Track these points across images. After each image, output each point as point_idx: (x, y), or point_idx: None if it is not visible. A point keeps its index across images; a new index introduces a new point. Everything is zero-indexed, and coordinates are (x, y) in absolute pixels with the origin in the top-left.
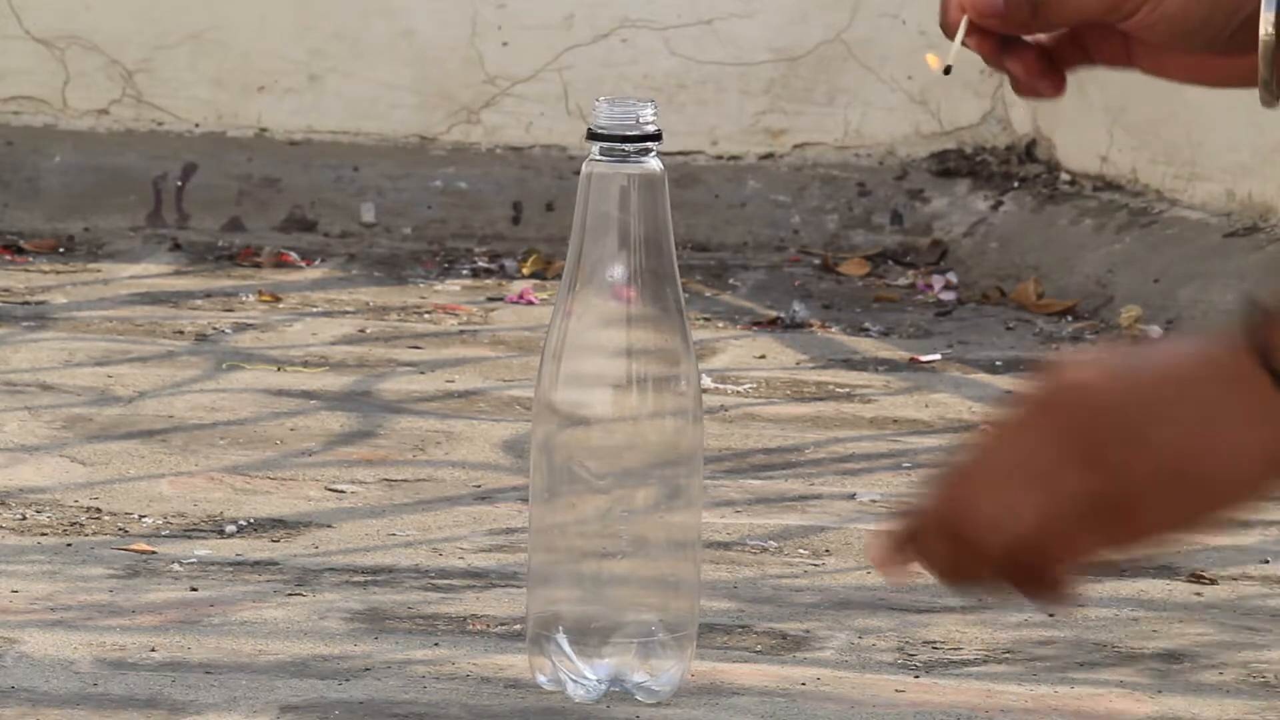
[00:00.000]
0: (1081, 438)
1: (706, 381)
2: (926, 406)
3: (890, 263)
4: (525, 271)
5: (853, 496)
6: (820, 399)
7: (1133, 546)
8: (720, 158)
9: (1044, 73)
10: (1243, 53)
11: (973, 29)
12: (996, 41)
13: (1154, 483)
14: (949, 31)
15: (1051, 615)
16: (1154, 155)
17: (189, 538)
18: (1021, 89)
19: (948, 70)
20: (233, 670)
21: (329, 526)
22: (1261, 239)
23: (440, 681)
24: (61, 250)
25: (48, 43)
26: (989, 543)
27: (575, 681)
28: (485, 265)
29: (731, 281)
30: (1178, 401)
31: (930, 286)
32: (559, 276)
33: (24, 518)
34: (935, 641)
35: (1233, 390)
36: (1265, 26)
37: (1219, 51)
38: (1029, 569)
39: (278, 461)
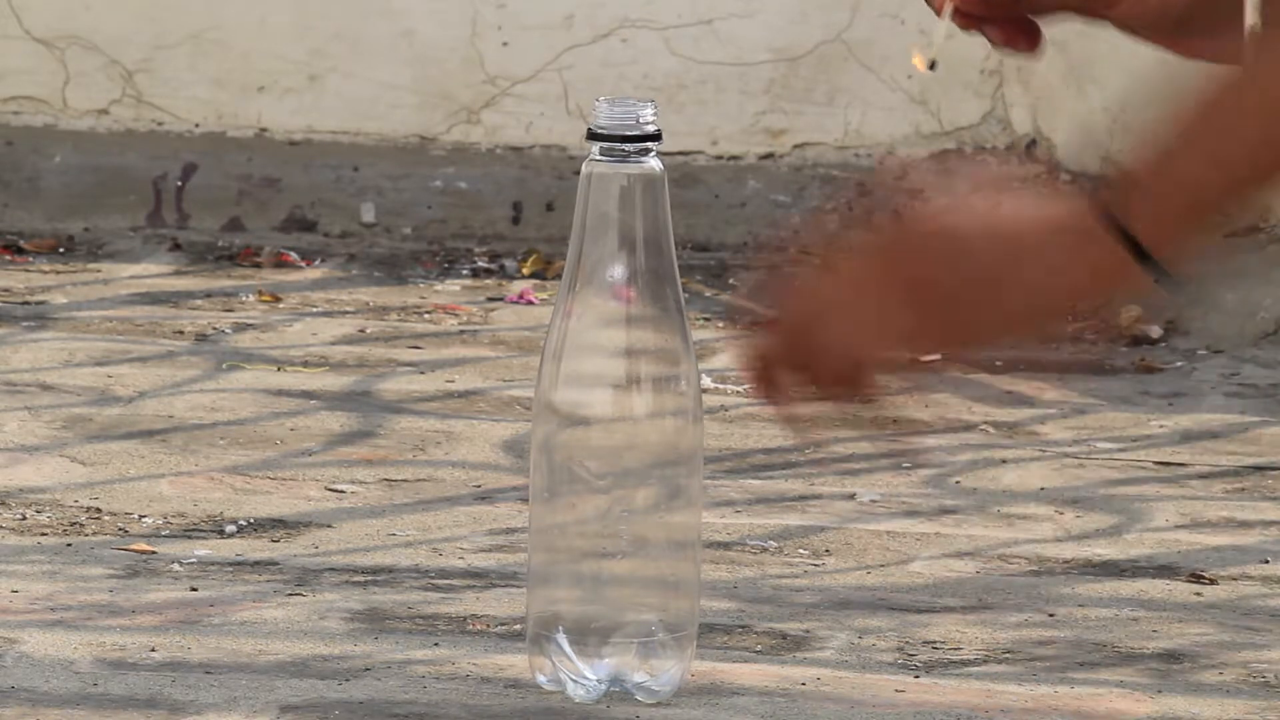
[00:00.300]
0: (919, 282)
1: (706, 381)
2: (926, 406)
3: None
4: (525, 271)
5: (853, 496)
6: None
7: (945, 355)
8: (720, 158)
9: (1021, 32)
10: (1221, 38)
11: (955, 10)
12: (976, 15)
13: (978, 311)
14: (937, 11)
15: (1052, 616)
16: None
17: (189, 538)
18: (999, 49)
19: (933, 66)
20: (233, 670)
21: (329, 526)
22: (1261, 239)
23: (440, 681)
24: (61, 250)
25: (48, 43)
26: (821, 368)
27: (575, 681)
28: (485, 265)
29: (731, 281)
30: (1013, 243)
31: None
32: (559, 276)
33: (24, 518)
34: (935, 641)
35: (1064, 232)
36: (1251, 14)
37: (1197, 38)
38: (846, 380)
39: (278, 461)
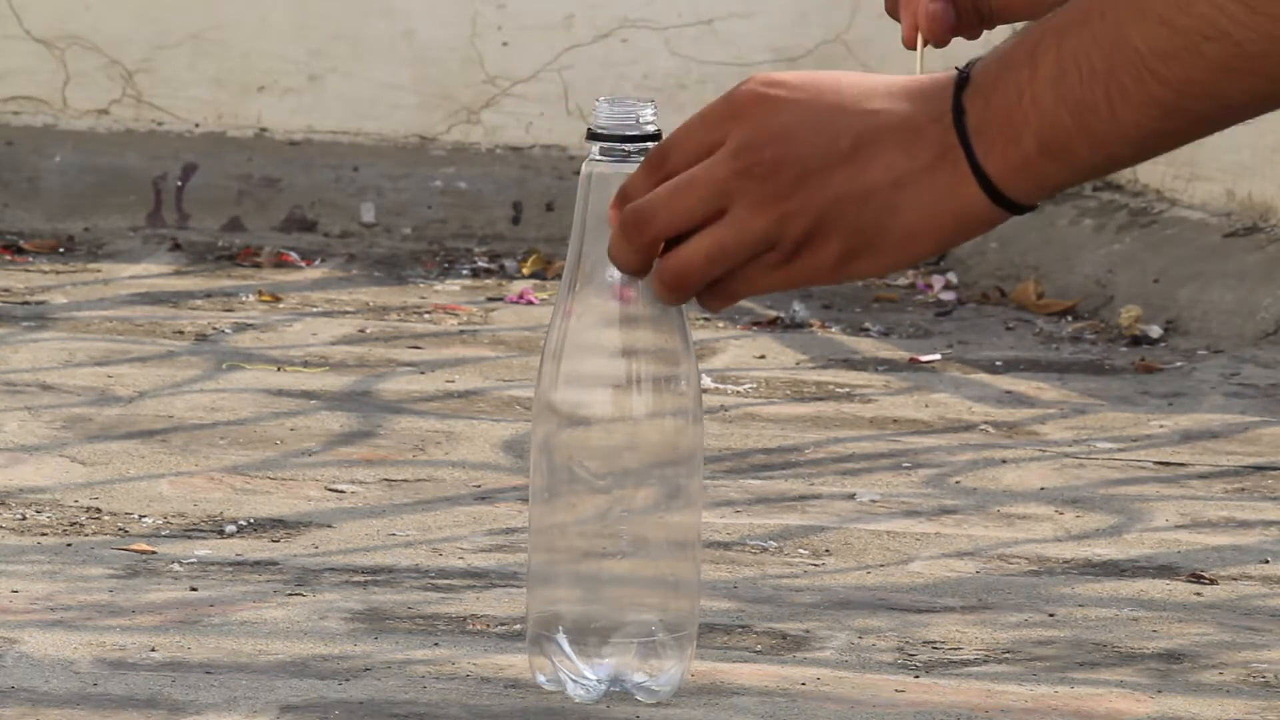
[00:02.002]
0: (767, 180)
1: (706, 381)
2: (926, 406)
3: None
4: (525, 271)
5: (853, 496)
6: (820, 399)
7: (810, 283)
8: None
9: (969, 27)
10: None
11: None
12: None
13: (833, 231)
14: (909, 46)
15: (1052, 616)
16: None
17: (189, 538)
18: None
19: None
20: (233, 670)
21: (329, 526)
22: (1261, 239)
23: (440, 681)
24: (61, 250)
25: (48, 43)
26: (671, 258)
27: (575, 681)
28: (485, 265)
29: None
30: (871, 157)
31: (930, 286)
32: (559, 276)
33: (24, 518)
34: (935, 641)
35: (928, 160)
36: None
37: None
38: (699, 282)
39: (278, 461)
